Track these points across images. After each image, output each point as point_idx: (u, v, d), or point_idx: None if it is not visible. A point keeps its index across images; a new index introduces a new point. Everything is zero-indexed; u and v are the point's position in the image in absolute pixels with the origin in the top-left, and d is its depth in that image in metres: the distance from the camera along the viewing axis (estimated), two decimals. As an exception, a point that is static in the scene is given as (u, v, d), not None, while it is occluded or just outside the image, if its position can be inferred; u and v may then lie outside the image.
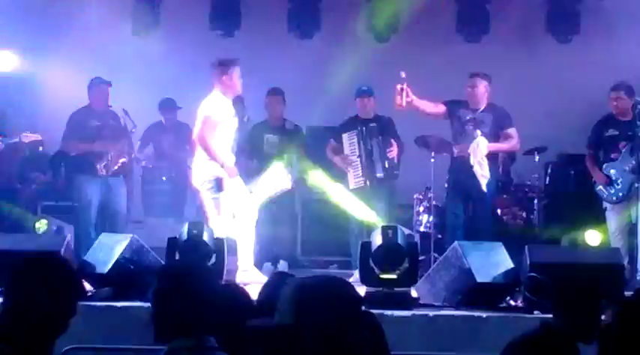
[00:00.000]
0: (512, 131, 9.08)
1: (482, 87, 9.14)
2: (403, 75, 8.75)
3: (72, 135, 9.80)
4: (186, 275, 3.61)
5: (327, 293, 2.91)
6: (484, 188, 8.85)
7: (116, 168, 9.69)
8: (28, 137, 9.71)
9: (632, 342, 3.13)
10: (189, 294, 3.44)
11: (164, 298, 3.49)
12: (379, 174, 9.27)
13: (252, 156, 9.82)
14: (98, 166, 9.61)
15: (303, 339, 2.88)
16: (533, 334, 3.97)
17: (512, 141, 9.15)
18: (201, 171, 8.27)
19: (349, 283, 2.96)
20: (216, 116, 8.23)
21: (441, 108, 9.27)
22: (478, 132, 8.97)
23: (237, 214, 8.23)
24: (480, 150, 8.90)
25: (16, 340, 3.29)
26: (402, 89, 8.77)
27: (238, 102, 10.51)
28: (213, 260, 7.00)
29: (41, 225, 9.75)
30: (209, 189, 8.21)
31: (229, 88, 8.39)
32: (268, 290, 4.23)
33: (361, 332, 2.95)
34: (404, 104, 8.82)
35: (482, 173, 8.84)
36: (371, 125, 9.42)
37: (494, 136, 9.03)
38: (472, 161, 8.90)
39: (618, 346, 3.19)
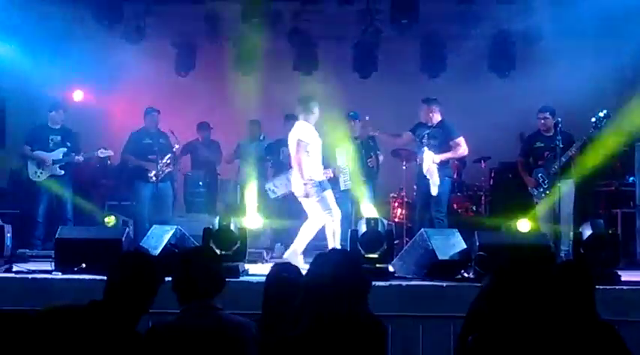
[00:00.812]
0: (459, 140, 9.02)
1: (430, 109, 9.14)
2: (367, 118, 8.91)
3: (130, 150, 9.85)
4: (194, 257, 3.71)
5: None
6: (433, 192, 8.83)
7: (163, 175, 9.72)
8: (104, 152, 9.75)
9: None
10: (194, 269, 3.53)
11: (179, 272, 3.57)
12: (363, 179, 9.28)
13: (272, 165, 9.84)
14: (150, 174, 9.64)
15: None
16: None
17: (459, 149, 9.06)
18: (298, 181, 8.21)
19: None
20: (306, 139, 8.20)
21: (408, 136, 9.33)
22: (425, 148, 8.98)
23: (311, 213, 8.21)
24: (426, 162, 8.91)
25: (115, 312, 3.34)
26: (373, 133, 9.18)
27: (256, 124, 10.56)
28: (237, 245, 6.96)
29: (110, 220, 9.74)
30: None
31: (312, 117, 8.33)
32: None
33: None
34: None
35: (432, 180, 8.84)
36: (357, 141, 9.43)
37: (446, 146, 9.01)
38: (424, 170, 8.94)
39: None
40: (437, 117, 9.16)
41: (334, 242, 8.01)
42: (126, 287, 3.39)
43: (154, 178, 9.61)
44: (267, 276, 4.01)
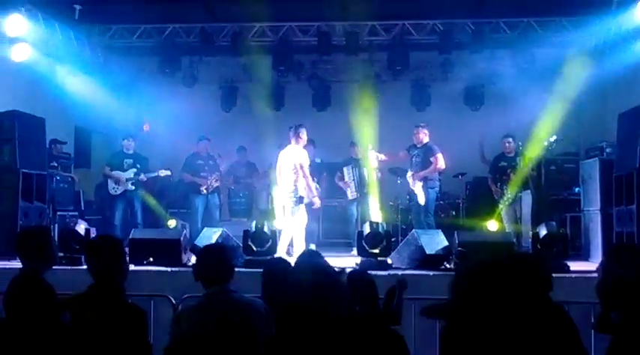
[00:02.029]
0: (436, 156, 8.88)
1: (418, 131, 9.09)
2: (370, 147, 9.04)
3: (186, 170, 9.89)
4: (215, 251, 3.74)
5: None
6: (421, 202, 8.79)
7: (212, 189, 9.75)
8: (163, 172, 9.80)
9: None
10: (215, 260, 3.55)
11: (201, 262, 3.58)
12: (365, 190, 9.28)
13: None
14: (201, 188, 9.68)
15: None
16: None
17: (436, 163, 8.84)
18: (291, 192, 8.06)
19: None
20: (306, 162, 8.09)
21: (405, 154, 9.31)
22: (409, 170, 8.94)
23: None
24: (410, 181, 8.97)
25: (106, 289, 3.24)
26: (377, 156, 9.10)
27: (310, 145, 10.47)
28: (269, 243, 6.96)
29: (172, 223, 9.77)
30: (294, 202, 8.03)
31: (302, 141, 8.18)
32: (302, 258, 4.19)
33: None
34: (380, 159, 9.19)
35: (418, 194, 8.83)
36: (359, 162, 9.44)
37: (428, 163, 8.94)
38: (411, 186, 8.94)
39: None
40: (423, 139, 9.09)
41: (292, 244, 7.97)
42: (104, 266, 3.28)
43: (204, 191, 9.65)
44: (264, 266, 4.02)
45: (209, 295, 3.46)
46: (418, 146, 9.08)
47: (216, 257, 3.60)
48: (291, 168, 8.01)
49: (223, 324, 3.34)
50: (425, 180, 8.84)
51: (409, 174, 8.97)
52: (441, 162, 8.91)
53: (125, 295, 3.38)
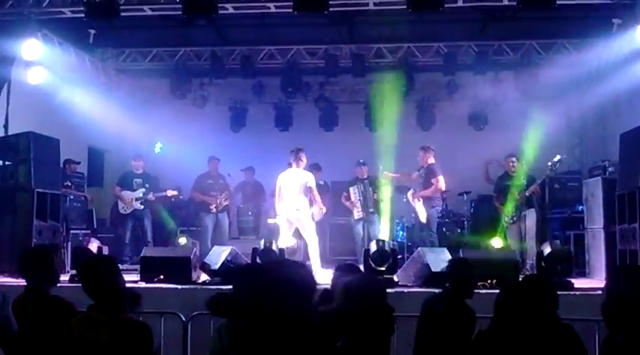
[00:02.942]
0: (434, 180, 8.92)
1: (423, 154, 9.12)
2: (380, 167, 9.11)
3: (197, 189, 9.92)
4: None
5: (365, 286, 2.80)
6: (422, 220, 8.85)
7: (222, 208, 9.77)
8: (171, 192, 9.83)
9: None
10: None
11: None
12: (370, 210, 9.27)
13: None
14: (211, 207, 9.70)
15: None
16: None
17: (436, 185, 8.91)
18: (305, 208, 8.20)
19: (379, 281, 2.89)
20: (314, 184, 8.25)
21: (417, 175, 9.31)
22: (411, 189, 8.98)
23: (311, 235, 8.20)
24: (410, 199, 9.12)
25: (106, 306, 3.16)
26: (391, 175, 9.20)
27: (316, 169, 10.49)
28: (278, 261, 6.94)
29: (182, 241, 9.78)
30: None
31: (302, 164, 8.33)
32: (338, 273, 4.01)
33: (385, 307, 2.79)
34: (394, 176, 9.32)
35: (419, 212, 8.88)
36: (365, 182, 9.44)
37: (429, 184, 8.97)
38: (412, 204, 8.99)
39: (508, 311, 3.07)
40: (428, 160, 9.12)
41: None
42: (98, 284, 3.22)
43: (214, 210, 9.67)
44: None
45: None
46: (422, 167, 9.13)
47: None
48: (301, 189, 8.13)
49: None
50: (427, 199, 8.85)
51: (410, 192, 9.03)
52: (441, 183, 8.95)
53: (125, 312, 3.36)
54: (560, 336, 3.08)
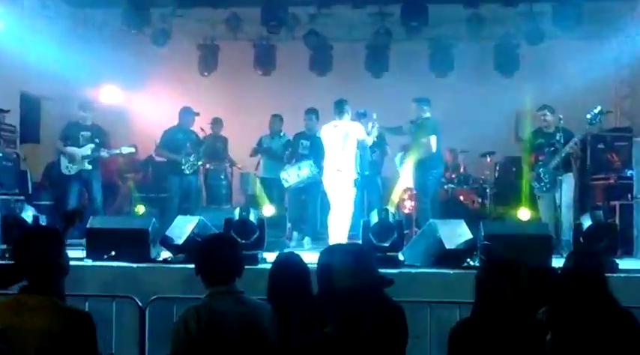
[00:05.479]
0: (428, 139, 8.83)
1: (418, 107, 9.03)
2: (374, 115, 8.84)
3: (164, 146, 9.87)
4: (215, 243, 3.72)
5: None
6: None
7: (194, 169, 9.78)
8: (127, 149, 9.78)
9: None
10: (217, 255, 3.57)
11: (203, 258, 3.59)
12: (367, 172, 9.26)
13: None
14: (183, 168, 9.68)
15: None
16: None
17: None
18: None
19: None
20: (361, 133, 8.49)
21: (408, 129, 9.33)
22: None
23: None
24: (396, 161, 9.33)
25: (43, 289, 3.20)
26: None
27: (278, 118, 10.49)
28: (257, 234, 6.95)
29: (139, 209, 9.75)
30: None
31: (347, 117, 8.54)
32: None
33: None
34: None
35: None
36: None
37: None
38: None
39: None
40: (423, 115, 9.01)
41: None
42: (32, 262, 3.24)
43: (187, 171, 9.67)
44: (272, 265, 3.98)
45: (214, 295, 3.49)
46: (417, 122, 9.02)
47: (226, 249, 3.62)
48: (346, 146, 8.35)
49: (235, 330, 3.41)
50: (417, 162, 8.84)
51: (399, 155, 9.10)
52: (430, 145, 8.75)
53: (64, 297, 3.36)
54: (620, 324, 3.12)
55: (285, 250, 6.08)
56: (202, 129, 10.12)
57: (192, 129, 10.02)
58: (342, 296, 2.49)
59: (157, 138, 9.91)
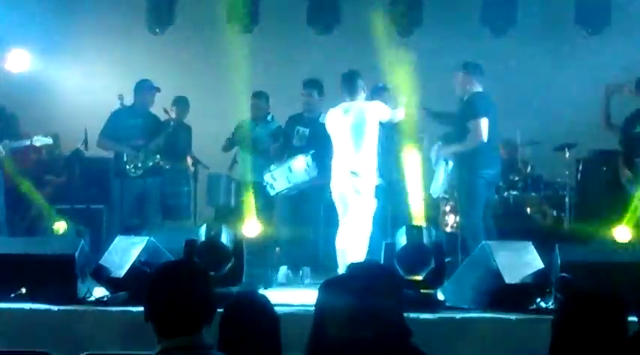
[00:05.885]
0: (473, 123, 8.86)
1: (463, 77, 8.96)
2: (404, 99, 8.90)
3: (109, 134, 9.89)
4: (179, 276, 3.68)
5: None
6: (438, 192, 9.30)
7: (153, 168, 9.84)
8: (41, 140, 9.76)
9: None
10: (174, 294, 3.51)
11: (154, 298, 3.54)
12: (395, 176, 9.30)
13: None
14: (135, 166, 9.72)
15: None
16: None
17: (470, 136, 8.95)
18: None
19: None
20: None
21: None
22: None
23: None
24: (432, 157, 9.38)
25: None
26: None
27: (262, 98, 10.46)
28: (231, 262, 6.95)
29: (60, 226, 9.75)
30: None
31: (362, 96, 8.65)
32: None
33: None
34: None
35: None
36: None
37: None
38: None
39: None
40: (470, 88, 8.93)
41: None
42: None
43: (131, 173, 9.68)
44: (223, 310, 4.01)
45: (171, 352, 3.45)
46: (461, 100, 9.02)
47: (189, 284, 3.58)
48: (363, 136, 8.39)
49: None
50: (464, 158, 8.83)
51: (435, 147, 9.13)
52: (477, 133, 8.67)
53: None
54: None
55: (271, 288, 6.07)
56: (166, 111, 10.12)
57: (151, 111, 10.04)
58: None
59: (89, 123, 9.93)
